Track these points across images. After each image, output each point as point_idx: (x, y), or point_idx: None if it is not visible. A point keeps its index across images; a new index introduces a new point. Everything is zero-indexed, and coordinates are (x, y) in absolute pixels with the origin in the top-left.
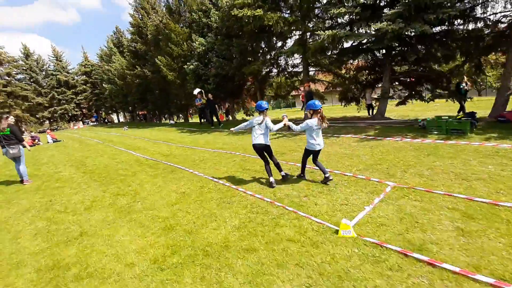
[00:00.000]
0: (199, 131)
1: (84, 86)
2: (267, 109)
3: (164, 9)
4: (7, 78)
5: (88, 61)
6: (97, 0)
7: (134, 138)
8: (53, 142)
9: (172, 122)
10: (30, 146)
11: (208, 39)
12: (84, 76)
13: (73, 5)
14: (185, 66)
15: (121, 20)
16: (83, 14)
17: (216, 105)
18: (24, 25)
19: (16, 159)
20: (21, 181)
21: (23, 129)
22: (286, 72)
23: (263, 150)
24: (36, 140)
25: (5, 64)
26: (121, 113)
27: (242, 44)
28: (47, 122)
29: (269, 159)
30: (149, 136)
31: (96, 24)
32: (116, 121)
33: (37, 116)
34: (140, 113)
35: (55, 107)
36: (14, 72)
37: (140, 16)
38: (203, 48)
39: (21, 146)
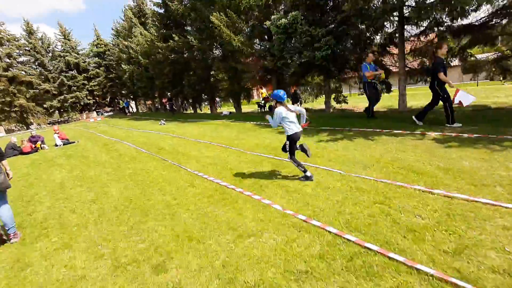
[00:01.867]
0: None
1: (98, 70)
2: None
3: None
4: (7, 60)
5: (101, 40)
6: None
7: (198, 143)
8: (64, 144)
9: (226, 113)
10: (28, 152)
11: None
12: (97, 58)
13: None
14: (271, 21)
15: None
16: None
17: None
18: (32, 15)
19: None
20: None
21: (31, 120)
22: None
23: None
24: (40, 143)
25: (4, 43)
26: (140, 101)
27: None
28: (56, 113)
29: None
30: (223, 137)
31: (101, 11)
32: (133, 110)
33: (44, 105)
34: (164, 101)
35: (65, 95)
36: (15, 54)
37: None
38: None
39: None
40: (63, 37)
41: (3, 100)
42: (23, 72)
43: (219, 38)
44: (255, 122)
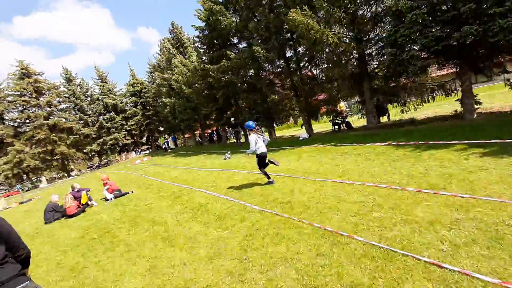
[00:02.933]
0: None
1: (135, 109)
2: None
3: None
4: (48, 109)
5: (136, 79)
6: (128, 41)
7: (335, 185)
8: (115, 198)
9: (304, 136)
10: (74, 215)
11: None
12: (133, 97)
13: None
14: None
15: (150, 55)
16: (116, 55)
17: None
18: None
19: None
20: None
21: (71, 167)
22: None
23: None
24: (88, 199)
25: (45, 93)
26: (178, 135)
27: None
28: (96, 156)
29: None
30: (368, 171)
31: (129, 61)
32: (172, 146)
33: (84, 150)
34: (208, 131)
35: (104, 138)
36: (56, 101)
37: None
38: None
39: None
40: (100, 80)
41: (45, 149)
42: (64, 119)
43: (294, 43)
44: (378, 143)
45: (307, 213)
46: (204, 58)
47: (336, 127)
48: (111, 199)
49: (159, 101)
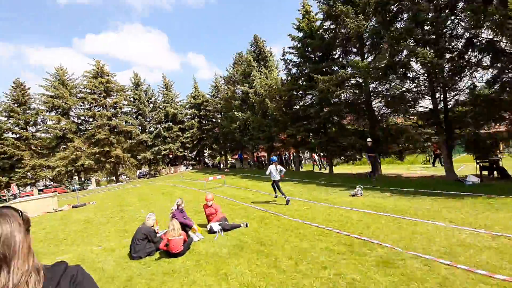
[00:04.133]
0: None
1: (193, 121)
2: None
3: None
4: (113, 110)
5: (199, 92)
6: (177, 64)
7: None
8: (224, 230)
9: (474, 180)
10: (179, 253)
11: None
12: (193, 109)
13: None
14: None
15: (196, 76)
16: (166, 74)
17: None
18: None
19: None
20: None
21: (122, 172)
22: None
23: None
24: (192, 232)
25: (113, 94)
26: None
27: None
28: (145, 165)
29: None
30: None
31: (176, 82)
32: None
33: (138, 157)
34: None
35: (160, 146)
36: (121, 104)
37: None
38: None
39: None
40: (165, 88)
41: (102, 149)
42: (125, 122)
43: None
44: None
45: None
46: (294, 71)
47: (485, 172)
48: (218, 231)
49: (222, 116)
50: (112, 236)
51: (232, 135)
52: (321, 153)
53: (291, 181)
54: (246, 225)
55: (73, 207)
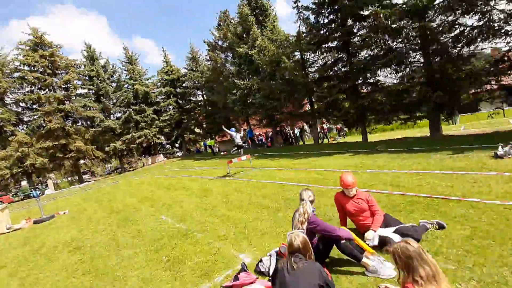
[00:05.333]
0: None
1: (169, 100)
2: None
3: None
4: (64, 92)
5: (171, 66)
6: (122, 49)
7: None
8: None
9: None
10: None
11: None
12: (168, 87)
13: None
14: None
15: (142, 62)
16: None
17: None
18: None
19: None
20: None
21: (87, 169)
22: None
23: None
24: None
25: (62, 71)
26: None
27: None
28: (115, 158)
29: None
30: None
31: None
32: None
33: (106, 149)
34: (263, 133)
35: (132, 133)
36: (75, 83)
37: None
38: None
39: None
40: (129, 62)
41: (56, 143)
42: (83, 107)
43: None
44: None
45: None
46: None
47: None
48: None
49: (207, 91)
50: (156, 280)
51: (225, 112)
52: (341, 122)
53: (378, 153)
54: (442, 226)
55: (35, 222)
